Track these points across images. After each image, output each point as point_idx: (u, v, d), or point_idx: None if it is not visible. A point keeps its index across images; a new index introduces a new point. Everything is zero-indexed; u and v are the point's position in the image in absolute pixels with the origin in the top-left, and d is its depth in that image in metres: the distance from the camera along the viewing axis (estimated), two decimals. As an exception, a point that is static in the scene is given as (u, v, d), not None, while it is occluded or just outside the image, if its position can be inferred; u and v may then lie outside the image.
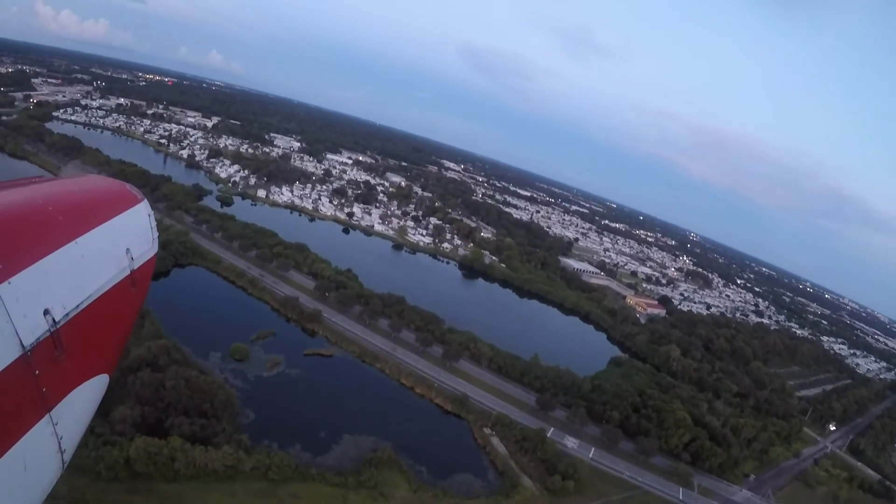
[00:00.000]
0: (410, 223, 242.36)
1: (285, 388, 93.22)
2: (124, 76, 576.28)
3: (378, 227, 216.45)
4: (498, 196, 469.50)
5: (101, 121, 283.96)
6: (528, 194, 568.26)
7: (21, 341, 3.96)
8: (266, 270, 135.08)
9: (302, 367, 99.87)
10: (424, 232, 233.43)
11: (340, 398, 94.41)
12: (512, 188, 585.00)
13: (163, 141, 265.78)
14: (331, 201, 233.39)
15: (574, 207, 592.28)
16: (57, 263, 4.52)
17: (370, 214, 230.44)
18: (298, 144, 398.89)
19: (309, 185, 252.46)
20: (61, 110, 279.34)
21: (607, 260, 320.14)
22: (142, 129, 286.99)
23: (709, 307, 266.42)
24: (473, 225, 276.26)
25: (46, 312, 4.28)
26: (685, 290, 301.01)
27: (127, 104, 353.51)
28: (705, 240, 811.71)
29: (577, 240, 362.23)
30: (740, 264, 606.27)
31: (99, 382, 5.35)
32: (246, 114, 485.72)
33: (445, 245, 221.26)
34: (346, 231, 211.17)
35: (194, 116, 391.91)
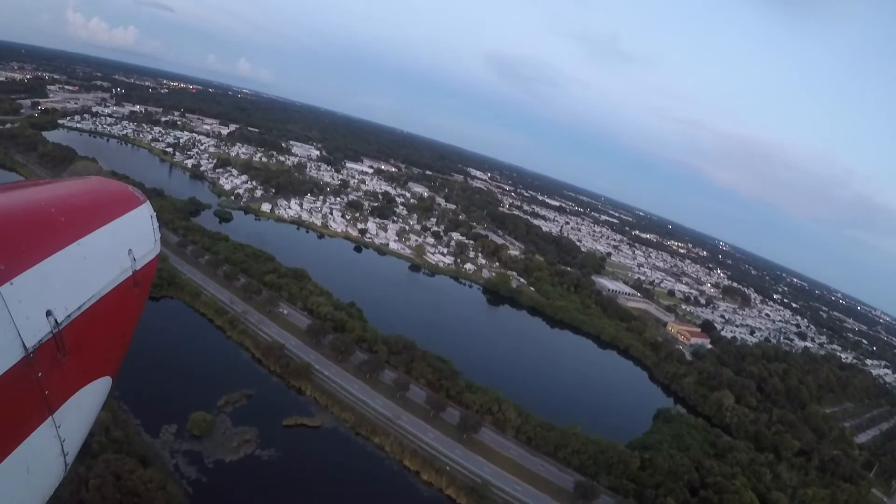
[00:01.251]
0: (430, 240, 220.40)
1: (253, 477, 71.45)
2: (147, 83, 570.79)
3: (394, 246, 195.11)
4: (526, 207, 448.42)
5: (110, 128, 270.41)
6: (557, 204, 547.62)
7: (24, 343, 3.96)
8: (253, 305, 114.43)
9: (279, 445, 77.97)
10: (445, 250, 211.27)
11: (323, 492, 72.40)
12: (540, 197, 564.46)
13: (168, 150, 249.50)
14: (343, 215, 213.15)
15: (604, 217, 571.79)
16: (59, 264, 4.52)
17: (386, 230, 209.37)
18: (317, 153, 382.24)
19: (322, 197, 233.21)
20: (67, 118, 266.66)
21: (642, 277, 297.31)
22: (150, 137, 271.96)
23: (752, 331, 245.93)
24: (500, 241, 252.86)
25: (49, 314, 4.28)
26: (725, 311, 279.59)
27: (141, 111, 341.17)
28: (735, 249, 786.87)
29: (609, 254, 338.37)
30: (773, 276, 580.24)
31: (102, 385, 5.32)
32: (266, 121, 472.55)
33: (468, 266, 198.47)
34: (357, 249, 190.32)
35: (211, 124, 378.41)
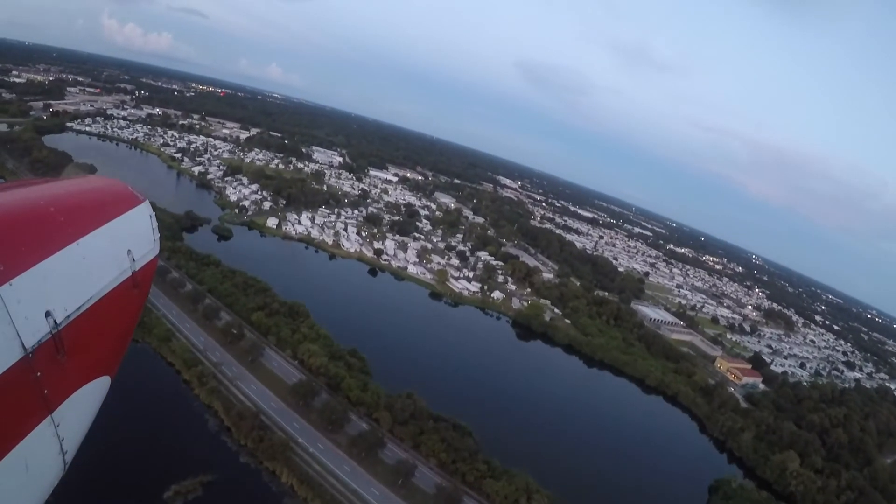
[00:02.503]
0: (455, 261, 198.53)
1: None
2: (174, 87, 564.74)
3: (413, 269, 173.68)
4: (558, 219, 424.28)
5: (121, 132, 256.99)
6: (590, 216, 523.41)
7: (23, 343, 3.98)
8: (233, 352, 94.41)
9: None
10: (471, 274, 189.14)
11: None
12: (572, 208, 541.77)
13: (177, 155, 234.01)
14: (359, 232, 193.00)
15: (637, 230, 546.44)
16: (58, 265, 4.53)
17: (405, 250, 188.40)
18: (340, 159, 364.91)
19: (338, 210, 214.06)
20: (77, 121, 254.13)
21: (683, 301, 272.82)
22: (161, 141, 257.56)
23: (802, 363, 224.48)
24: (532, 263, 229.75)
25: (48, 314, 4.30)
26: (770, 338, 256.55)
27: (159, 114, 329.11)
28: (767, 262, 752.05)
29: (647, 274, 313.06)
30: (809, 293, 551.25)
31: (101, 384, 5.36)
32: (291, 126, 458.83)
33: (496, 294, 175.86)
34: (373, 273, 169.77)
35: (231, 128, 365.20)
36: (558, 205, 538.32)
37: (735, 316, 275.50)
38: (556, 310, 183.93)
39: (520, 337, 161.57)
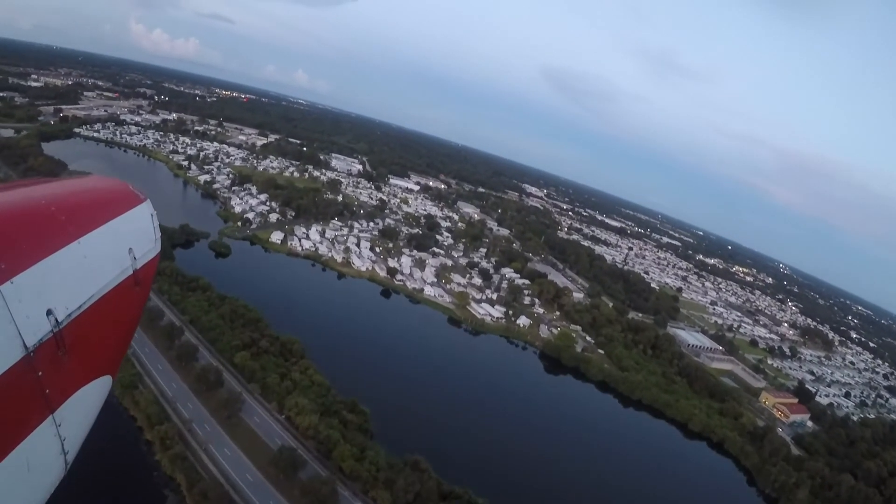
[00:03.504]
0: (477, 279, 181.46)
1: None
2: (197, 92, 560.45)
3: (430, 291, 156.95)
4: (585, 229, 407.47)
5: (130, 138, 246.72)
6: (618, 225, 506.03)
7: (24, 342, 3.97)
8: (209, 404, 78.82)
9: None
10: (495, 296, 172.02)
11: None
12: (599, 217, 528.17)
13: (185, 163, 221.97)
14: (373, 247, 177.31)
15: (665, 239, 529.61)
16: (60, 263, 4.53)
17: (423, 268, 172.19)
18: (359, 167, 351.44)
19: (352, 222, 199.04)
20: (84, 126, 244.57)
21: (719, 320, 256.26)
22: (170, 148, 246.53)
23: (847, 393, 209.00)
24: (560, 281, 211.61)
25: (49, 313, 4.29)
26: (810, 361, 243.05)
27: (174, 119, 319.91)
28: (795, 272, 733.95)
29: (679, 289, 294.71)
30: (839, 305, 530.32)
31: (102, 384, 5.30)
32: (312, 132, 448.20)
33: (522, 320, 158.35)
34: (385, 294, 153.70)
35: (249, 134, 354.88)
36: (585, 214, 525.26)
37: (773, 336, 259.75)
38: (588, 337, 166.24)
39: (548, 370, 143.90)
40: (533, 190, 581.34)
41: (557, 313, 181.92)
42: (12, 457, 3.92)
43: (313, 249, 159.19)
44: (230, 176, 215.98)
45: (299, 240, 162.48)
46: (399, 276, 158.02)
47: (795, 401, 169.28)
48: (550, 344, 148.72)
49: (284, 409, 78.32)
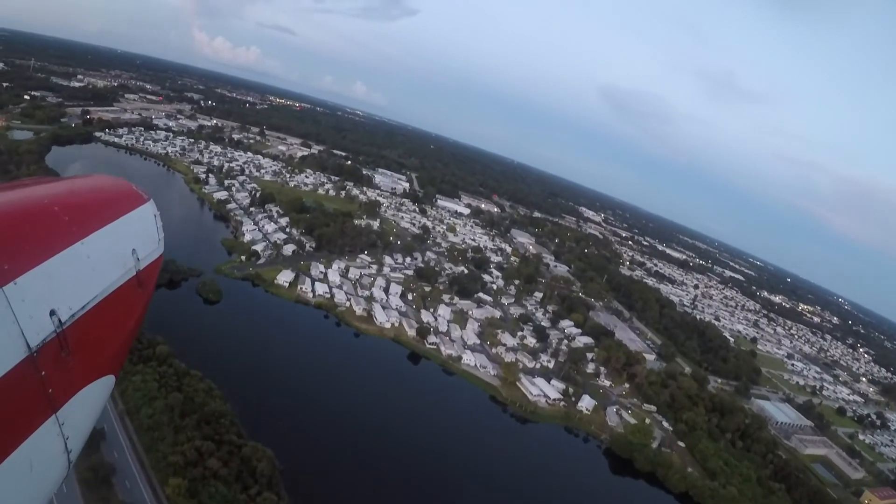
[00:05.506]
0: (530, 339, 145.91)
1: None
2: (248, 98, 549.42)
3: (469, 359, 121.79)
4: (648, 262, 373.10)
5: (153, 145, 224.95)
6: (680, 256, 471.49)
7: (27, 342, 3.97)
8: None
9: None
10: (552, 363, 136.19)
11: None
12: (659, 247, 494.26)
13: (202, 176, 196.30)
14: (405, 293, 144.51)
15: (727, 272, 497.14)
16: (63, 264, 4.53)
17: (463, 324, 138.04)
18: (406, 185, 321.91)
19: (385, 256, 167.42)
20: (106, 130, 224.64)
21: (800, 380, 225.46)
22: (195, 157, 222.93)
23: None
24: (630, 344, 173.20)
25: (52, 313, 4.29)
26: None
27: (211, 126, 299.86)
28: (856, 307, 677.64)
29: (754, 340, 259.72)
30: None
31: (105, 383, 5.29)
32: (361, 144, 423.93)
33: (585, 403, 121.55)
34: (413, 359, 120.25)
35: (291, 144, 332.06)
36: (645, 243, 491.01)
37: (856, 399, 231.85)
38: (666, 423, 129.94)
39: (615, 471, 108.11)
40: (590, 214, 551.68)
41: (627, 386, 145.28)
42: (15, 456, 3.91)
43: (328, 296, 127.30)
44: (255, 192, 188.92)
45: (312, 282, 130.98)
46: (432, 339, 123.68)
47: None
48: (620, 439, 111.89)
49: None
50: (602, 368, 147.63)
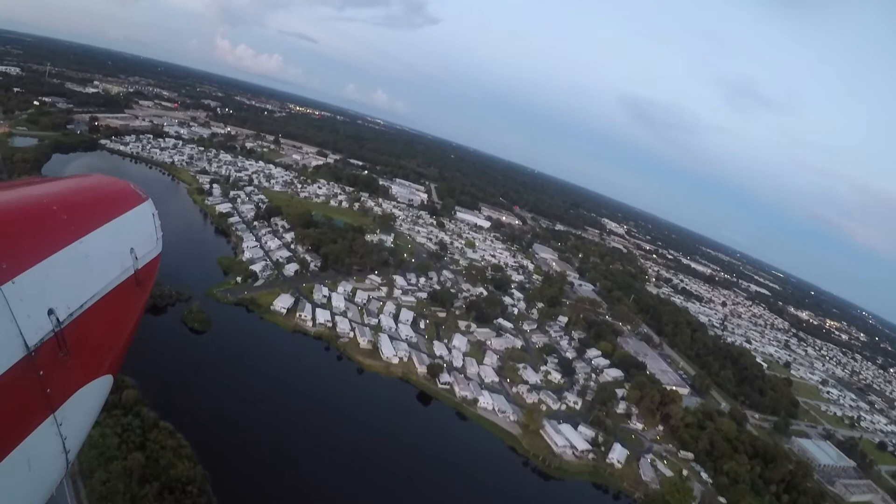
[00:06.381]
0: (555, 375, 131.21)
1: None
2: (267, 106, 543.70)
3: (486, 402, 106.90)
4: (674, 278, 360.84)
5: (159, 153, 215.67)
6: (704, 270, 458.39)
7: (25, 341, 3.95)
8: None
9: None
10: (579, 402, 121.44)
11: None
12: (684, 261, 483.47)
13: (207, 186, 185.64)
14: (417, 319, 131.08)
15: (753, 287, 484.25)
16: (61, 263, 4.52)
17: (480, 356, 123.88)
18: (424, 196, 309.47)
19: (397, 276, 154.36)
20: (112, 137, 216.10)
21: (837, 410, 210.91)
22: (201, 166, 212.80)
23: None
24: (660, 371, 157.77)
25: (51, 312, 4.28)
26: None
27: (223, 133, 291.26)
28: (881, 321, 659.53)
29: (787, 364, 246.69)
30: None
31: (103, 383, 5.29)
32: (380, 153, 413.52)
33: (616, 454, 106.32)
34: (423, 399, 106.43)
35: (306, 153, 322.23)
36: (670, 256, 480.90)
37: (893, 429, 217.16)
38: (704, 473, 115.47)
39: None
40: (613, 226, 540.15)
41: (661, 428, 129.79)
42: (13, 456, 3.87)
43: (329, 325, 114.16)
44: (262, 204, 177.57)
45: (313, 308, 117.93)
46: (444, 378, 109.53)
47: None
48: (657, 499, 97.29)
49: None
50: (634, 408, 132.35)
